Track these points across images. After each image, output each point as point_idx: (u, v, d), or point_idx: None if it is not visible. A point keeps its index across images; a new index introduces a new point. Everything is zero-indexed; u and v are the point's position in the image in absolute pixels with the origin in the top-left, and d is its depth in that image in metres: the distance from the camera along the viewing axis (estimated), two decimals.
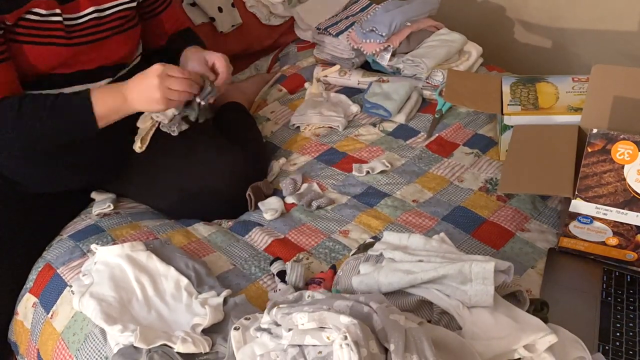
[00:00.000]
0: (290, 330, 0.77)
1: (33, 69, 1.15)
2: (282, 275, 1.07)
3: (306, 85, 1.78)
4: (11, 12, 1.07)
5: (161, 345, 0.92)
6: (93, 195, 1.39)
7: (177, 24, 1.45)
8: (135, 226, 1.28)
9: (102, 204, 1.35)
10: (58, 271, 1.18)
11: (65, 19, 1.14)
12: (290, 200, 1.36)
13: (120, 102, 1.15)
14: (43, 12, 1.11)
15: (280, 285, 1.07)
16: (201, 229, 1.29)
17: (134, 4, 1.26)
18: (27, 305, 1.19)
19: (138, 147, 1.28)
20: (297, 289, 1.04)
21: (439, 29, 1.82)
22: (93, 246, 1.13)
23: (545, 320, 0.86)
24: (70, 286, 1.07)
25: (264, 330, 0.82)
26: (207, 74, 1.26)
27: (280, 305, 0.82)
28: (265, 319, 0.83)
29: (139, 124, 1.30)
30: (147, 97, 1.15)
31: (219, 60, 1.28)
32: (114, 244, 1.18)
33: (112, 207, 1.35)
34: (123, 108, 1.16)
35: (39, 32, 1.12)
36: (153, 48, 1.43)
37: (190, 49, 1.34)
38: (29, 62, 1.14)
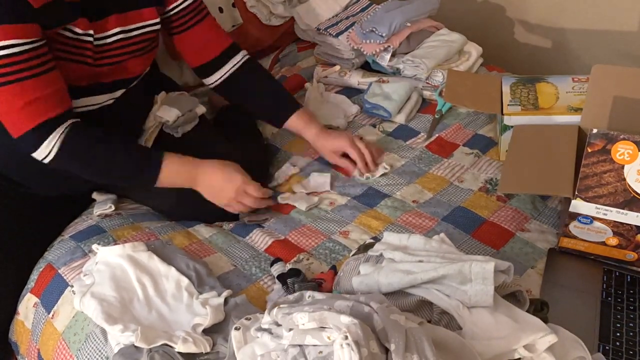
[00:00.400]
0: (290, 330, 0.77)
1: None
2: (282, 278, 1.06)
3: (306, 85, 1.78)
4: (54, 29, 1.09)
5: (162, 345, 0.92)
6: (94, 195, 1.39)
7: (222, 41, 1.43)
8: (136, 227, 1.28)
9: (103, 204, 1.35)
10: (59, 271, 1.18)
11: (95, 39, 1.16)
12: (287, 202, 1.36)
13: (187, 183, 1.25)
14: (79, 31, 1.12)
15: (275, 286, 1.07)
16: (202, 230, 1.29)
17: (159, 27, 1.28)
18: (28, 305, 1.20)
19: None
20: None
21: (439, 29, 1.82)
22: (94, 246, 1.13)
23: (545, 320, 0.86)
24: (72, 286, 1.07)
25: (265, 330, 0.83)
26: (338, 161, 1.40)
27: (281, 306, 0.82)
28: (265, 319, 0.83)
29: (144, 126, 1.31)
30: (215, 194, 1.26)
31: (351, 149, 1.39)
32: (115, 244, 1.18)
33: (113, 207, 1.35)
34: (185, 185, 1.25)
35: (70, 48, 1.13)
36: (197, 64, 1.41)
37: (311, 129, 1.42)
38: None
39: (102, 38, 1.18)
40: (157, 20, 1.26)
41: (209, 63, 1.41)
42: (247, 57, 1.45)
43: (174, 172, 1.21)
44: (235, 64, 1.42)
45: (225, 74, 1.42)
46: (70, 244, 1.24)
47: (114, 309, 1.00)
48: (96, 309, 0.99)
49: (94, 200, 1.39)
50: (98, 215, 1.33)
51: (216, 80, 1.42)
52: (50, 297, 1.16)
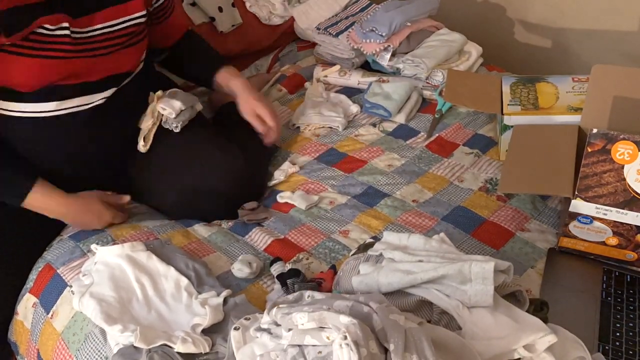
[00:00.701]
0: (290, 330, 0.76)
1: (38, 80, 1.15)
2: (281, 278, 1.06)
3: (306, 85, 1.78)
4: (12, 36, 1.07)
5: (161, 345, 0.92)
6: None
7: (182, 27, 1.49)
8: (135, 227, 1.28)
9: None
10: (58, 271, 1.18)
11: (73, 32, 1.15)
12: (286, 200, 1.36)
13: (56, 214, 1.23)
14: (50, 27, 1.11)
15: (275, 286, 1.07)
16: (201, 229, 1.29)
17: (144, 19, 1.27)
18: (27, 306, 1.19)
19: (142, 145, 1.28)
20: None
21: (439, 29, 1.82)
22: (93, 246, 1.13)
23: (545, 320, 0.86)
24: (70, 286, 1.07)
25: (264, 330, 0.82)
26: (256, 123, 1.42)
27: (280, 305, 0.82)
28: (265, 319, 0.83)
29: (140, 125, 1.31)
30: (84, 222, 1.26)
31: (267, 116, 1.42)
32: (114, 244, 1.18)
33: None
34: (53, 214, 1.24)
35: (44, 45, 1.12)
36: (158, 47, 1.45)
37: (232, 82, 1.45)
38: (33, 74, 1.14)
39: (83, 32, 1.17)
40: (144, 12, 1.25)
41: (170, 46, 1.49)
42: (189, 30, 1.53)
43: (39, 204, 1.21)
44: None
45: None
46: (69, 243, 1.24)
47: (113, 309, 0.99)
48: (95, 309, 0.99)
49: None
50: None
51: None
52: (49, 297, 1.15)
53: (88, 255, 1.18)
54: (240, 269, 1.12)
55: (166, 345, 0.92)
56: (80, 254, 1.20)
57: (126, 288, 1.04)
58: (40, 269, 1.22)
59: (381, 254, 0.97)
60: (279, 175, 1.44)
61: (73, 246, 1.23)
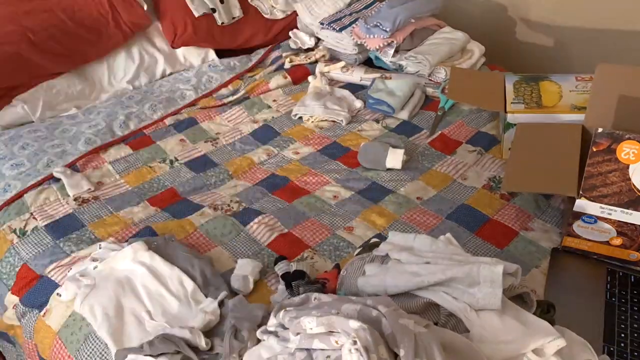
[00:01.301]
0: (298, 334, 0.76)
1: None
2: (286, 279, 1.04)
3: (310, 78, 1.77)
4: None
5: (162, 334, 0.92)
6: (56, 173, 1.33)
7: None
8: (117, 218, 1.25)
9: (75, 185, 1.31)
10: (43, 274, 1.14)
11: None
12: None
13: None
14: None
15: (280, 286, 1.06)
16: (199, 218, 1.25)
17: None
18: (9, 306, 1.15)
19: None
20: None
21: (441, 28, 1.81)
22: (93, 254, 1.10)
23: (552, 323, 0.86)
24: (59, 295, 1.05)
25: (271, 332, 0.82)
26: None
27: (288, 309, 0.81)
28: (271, 322, 0.82)
29: None
30: None
31: None
32: (98, 242, 1.16)
33: (92, 187, 1.32)
34: None
35: None
36: None
37: None
38: None
39: None
40: None
41: None
42: None
43: None
44: None
45: None
46: (46, 240, 1.20)
47: (116, 323, 0.99)
48: (101, 324, 0.98)
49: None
50: (75, 200, 1.30)
51: None
52: (35, 298, 1.11)
53: (71, 255, 1.15)
54: (237, 289, 1.08)
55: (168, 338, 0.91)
56: (63, 255, 1.16)
57: (129, 299, 1.02)
58: (19, 268, 1.17)
59: (387, 255, 0.96)
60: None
61: (52, 244, 1.19)
